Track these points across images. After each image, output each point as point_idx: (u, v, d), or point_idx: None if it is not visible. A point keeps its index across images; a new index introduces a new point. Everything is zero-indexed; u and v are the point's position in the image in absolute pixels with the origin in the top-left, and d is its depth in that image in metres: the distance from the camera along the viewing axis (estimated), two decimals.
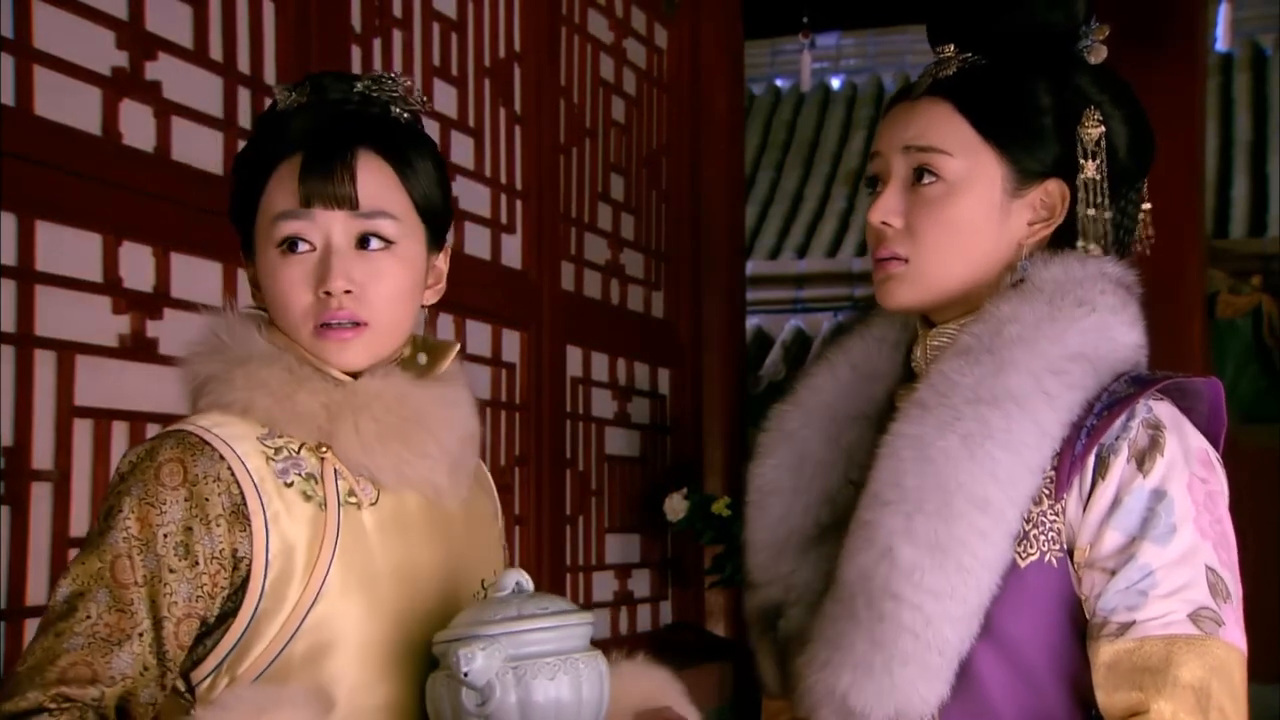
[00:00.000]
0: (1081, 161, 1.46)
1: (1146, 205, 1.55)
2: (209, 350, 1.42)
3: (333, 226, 1.39)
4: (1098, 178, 1.46)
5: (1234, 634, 1.37)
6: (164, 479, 1.33)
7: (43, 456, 2.30)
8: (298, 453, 1.38)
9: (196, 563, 1.32)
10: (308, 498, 1.37)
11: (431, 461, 1.43)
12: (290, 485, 1.36)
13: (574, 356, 4.14)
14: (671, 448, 4.76)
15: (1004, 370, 1.39)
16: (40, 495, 2.30)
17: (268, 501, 1.35)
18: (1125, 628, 1.36)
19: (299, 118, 1.43)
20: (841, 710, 1.39)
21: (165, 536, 1.31)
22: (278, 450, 1.38)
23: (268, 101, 1.52)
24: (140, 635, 1.29)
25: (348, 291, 1.38)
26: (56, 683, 1.25)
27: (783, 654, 1.53)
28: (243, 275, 1.52)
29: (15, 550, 2.24)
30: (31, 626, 2.24)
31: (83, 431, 2.37)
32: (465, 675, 1.24)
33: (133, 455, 1.36)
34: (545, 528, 3.88)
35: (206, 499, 1.33)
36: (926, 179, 1.47)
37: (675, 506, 4.48)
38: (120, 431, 2.42)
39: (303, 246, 1.39)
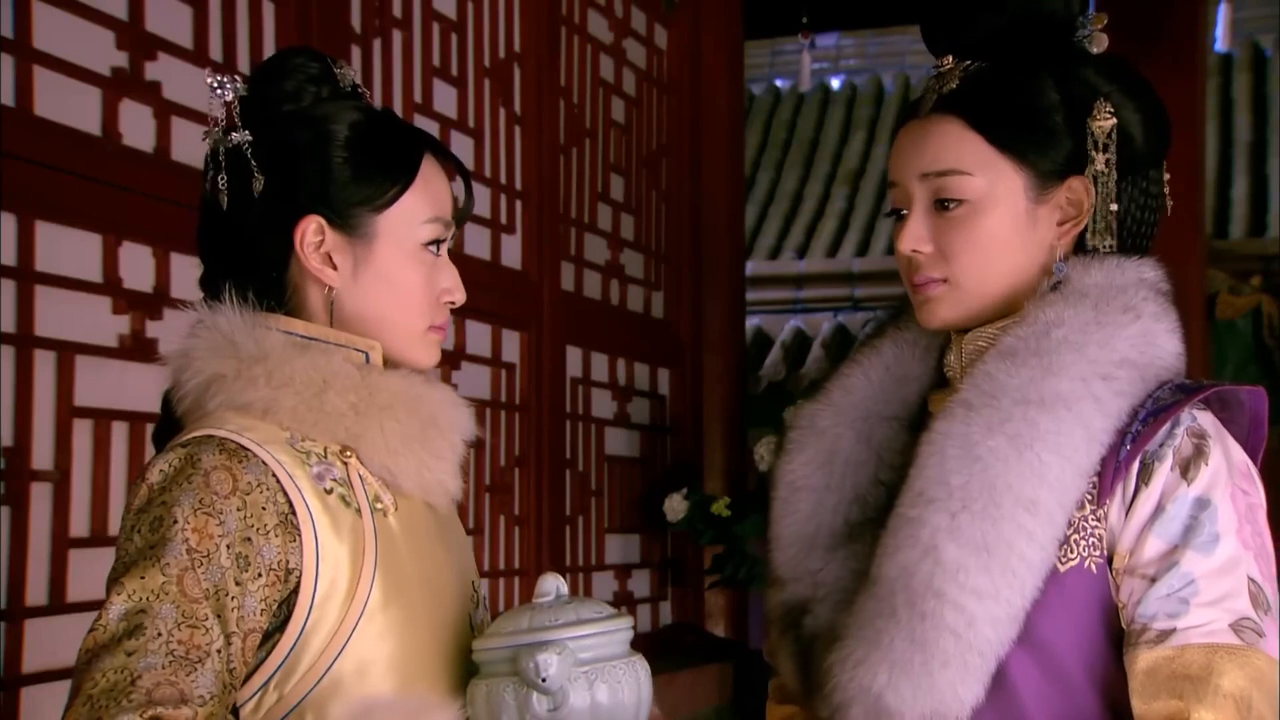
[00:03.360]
0: (1092, 154, 1.44)
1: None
2: (213, 347, 1.35)
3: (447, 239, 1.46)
4: (1107, 170, 1.44)
5: (1274, 646, 1.35)
6: (215, 487, 1.26)
7: (43, 457, 2.30)
8: (325, 457, 1.34)
9: (260, 574, 1.26)
10: (346, 504, 1.33)
11: (446, 464, 1.41)
12: (330, 492, 1.32)
13: (574, 357, 4.14)
14: (671, 448, 4.76)
15: (1052, 373, 1.38)
16: (40, 495, 2.29)
17: (315, 512, 1.30)
18: (1165, 635, 1.34)
19: (398, 119, 1.46)
20: (875, 709, 1.37)
21: (228, 548, 1.25)
22: (308, 454, 1.33)
23: None
24: (219, 652, 1.22)
25: None
26: (147, 703, 1.16)
27: (806, 653, 1.52)
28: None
29: (15, 550, 2.24)
30: (32, 627, 2.25)
31: (83, 432, 2.37)
32: (544, 680, 1.24)
33: (164, 464, 1.29)
34: (545, 528, 3.88)
35: (263, 508, 1.28)
36: (949, 202, 1.45)
37: (675, 507, 4.47)
38: (120, 432, 2.41)
39: (436, 251, 1.43)
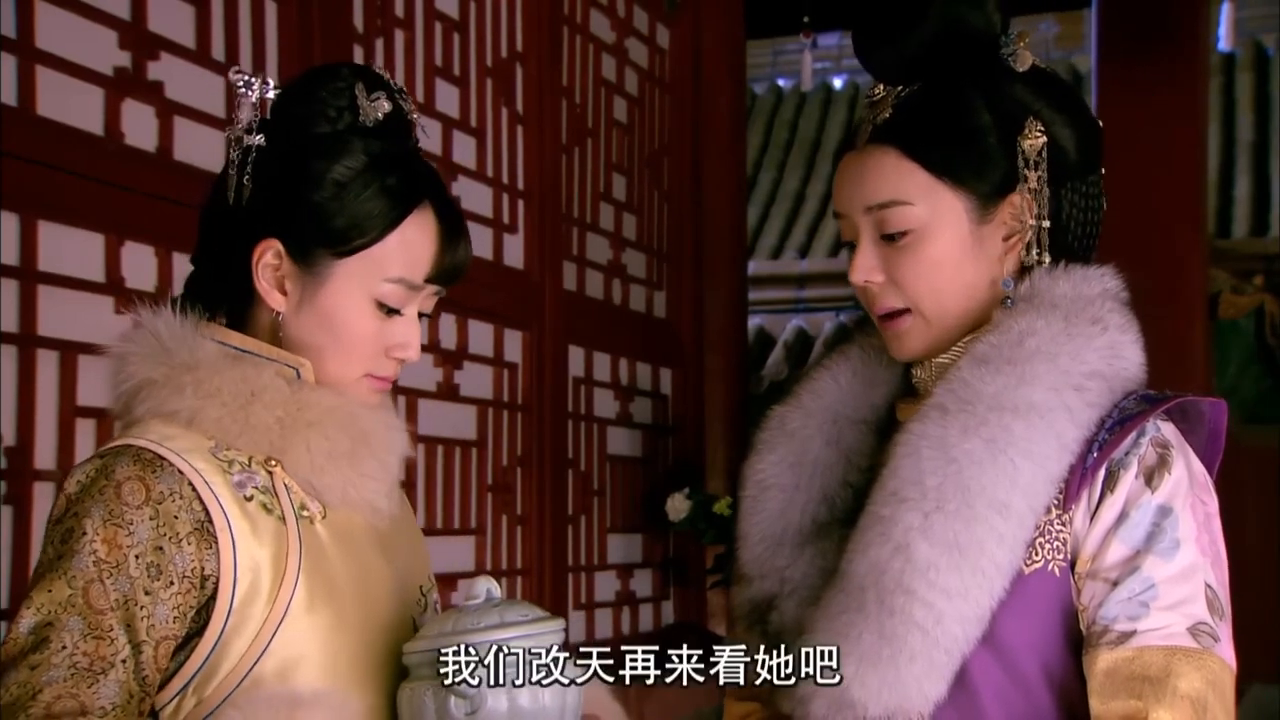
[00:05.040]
0: (1025, 172, 1.46)
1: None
2: (147, 352, 1.36)
3: (422, 299, 1.41)
4: (1039, 187, 1.46)
5: (1227, 651, 1.39)
6: (126, 498, 1.27)
7: (45, 456, 2.31)
8: (249, 465, 1.34)
9: (172, 582, 1.27)
10: (268, 511, 1.33)
11: (374, 483, 1.40)
12: (250, 499, 1.33)
13: (576, 356, 4.14)
14: (673, 448, 4.76)
15: (1026, 382, 1.41)
16: (42, 495, 2.29)
17: (232, 518, 1.30)
18: (1125, 636, 1.38)
19: (418, 162, 1.41)
20: (840, 701, 1.40)
21: (137, 558, 1.26)
22: (230, 463, 1.33)
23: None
24: (123, 662, 1.24)
25: None
26: (45, 717, 1.19)
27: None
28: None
29: (17, 550, 2.25)
30: None
31: (85, 431, 2.37)
32: (458, 683, 1.24)
33: (80, 475, 1.30)
34: (547, 528, 3.88)
35: (175, 516, 1.29)
36: (894, 232, 1.48)
37: (677, 506, 4.48)
38: None
39: (387, 313, 1.39)
